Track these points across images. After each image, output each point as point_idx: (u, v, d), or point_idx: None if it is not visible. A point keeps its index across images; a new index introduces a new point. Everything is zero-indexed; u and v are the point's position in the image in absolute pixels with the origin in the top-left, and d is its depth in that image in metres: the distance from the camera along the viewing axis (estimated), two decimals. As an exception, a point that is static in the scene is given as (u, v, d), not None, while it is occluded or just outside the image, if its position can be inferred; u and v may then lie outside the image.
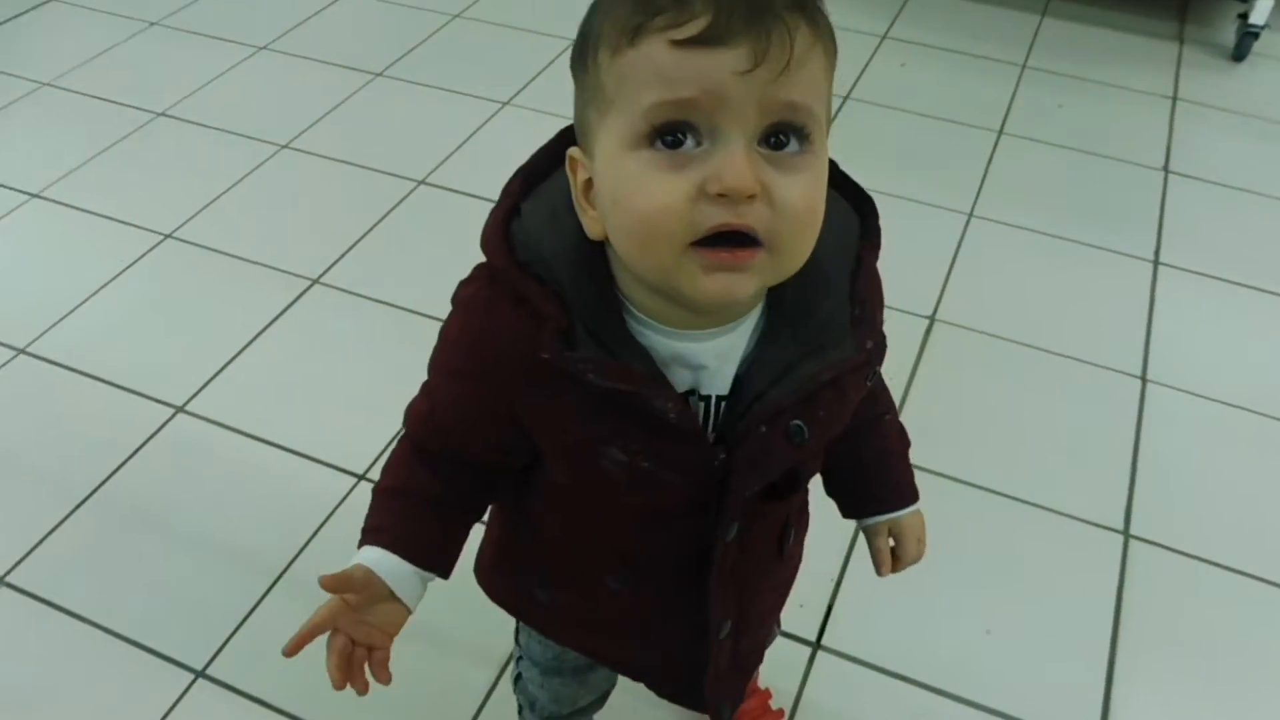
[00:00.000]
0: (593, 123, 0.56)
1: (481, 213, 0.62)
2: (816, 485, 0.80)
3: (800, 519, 0.79)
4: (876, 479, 0.83)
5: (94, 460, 1.42)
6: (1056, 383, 1.59)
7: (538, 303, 0.58)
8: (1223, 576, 1.32)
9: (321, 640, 0.65)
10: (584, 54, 0.56)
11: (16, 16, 2.46)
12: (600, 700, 0.96)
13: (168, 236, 1.82)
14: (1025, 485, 1.42)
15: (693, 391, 0.61)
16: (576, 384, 0.58)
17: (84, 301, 1.68)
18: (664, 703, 0.85)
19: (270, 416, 1.48)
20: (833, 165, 0.59)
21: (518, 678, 0.95)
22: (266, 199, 1.92)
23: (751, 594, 0.75)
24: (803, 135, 0.53)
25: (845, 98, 2.22)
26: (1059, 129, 2.15)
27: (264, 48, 2.35)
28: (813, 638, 1.23)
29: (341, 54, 2.32)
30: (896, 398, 1.17)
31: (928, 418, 1.45)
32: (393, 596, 0.67)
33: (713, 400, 0.62)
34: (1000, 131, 2.14)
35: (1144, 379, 1.60)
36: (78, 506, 1.36)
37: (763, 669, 1.09)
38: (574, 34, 0.58)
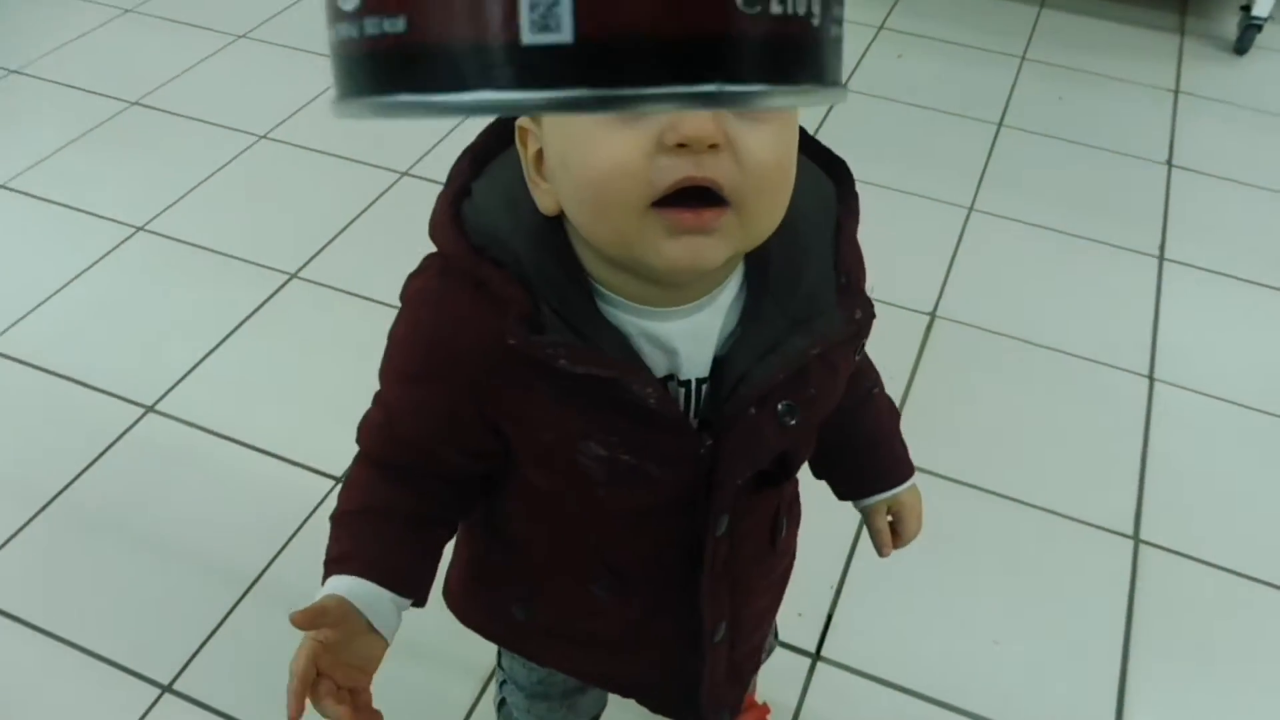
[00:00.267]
0: None
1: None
2: (805, 473, 0.76)
3: (792, 509, 0.76)
4: (871, 457, 0.80)
5: (58, 463, 1.36)
6: (1062, 381, 1.55)
7: (498, 287, 0.53)
8: (1238, 584, 1.28)
9: (291, 649, 0.58)
10: None
11: (-14, 3, 2.39)
12: (590, 725, 0.91)
13: (140, 229, 1.76)
14: (1031, 488, 1.37)
15: (671, 377, 0.57)
16: (547, 373, 0.54)
17: (50, 296, 1.62)
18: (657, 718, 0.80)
19: (244, 416, 1.43)
20: (802, 131, 0.55)
21: (501, 703, 0.90)
22: (243, 191, 1.87)
23: (745, 593, 0.71)
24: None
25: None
26: (1060, 121, 2.11)
27: (242, 36, 2.29)
28: (812, 648, 1.18)
29: (322, 43, 2.24)
30: (896, 398, 1.13)
31: (929, 418, 1.40)
32: (370, 629, 0.60)
33: (693, 384, 0.58)
34: (1000, 124, 2.10)
35: (1151, 378, 1.55)
36: (39, 512, 1.30)
37: (761, 682, 1.05)
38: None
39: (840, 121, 2.06)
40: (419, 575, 0.64)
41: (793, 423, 0.59)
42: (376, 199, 1.83)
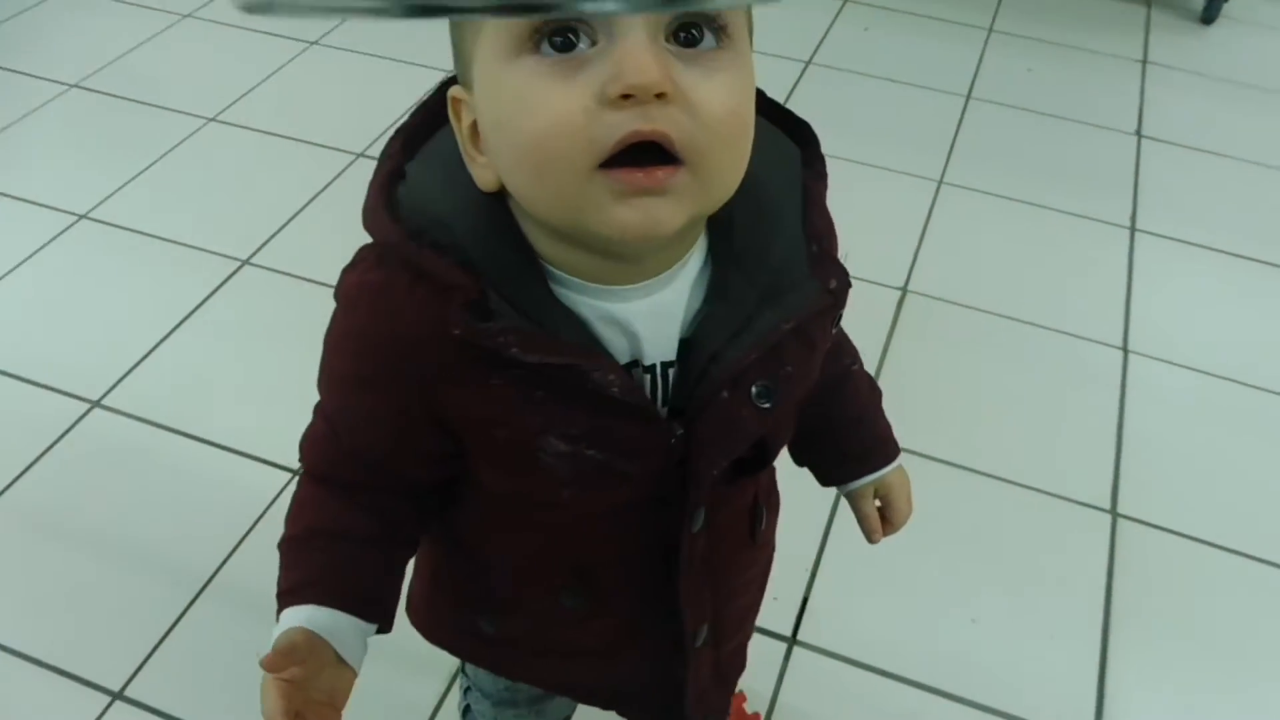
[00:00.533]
0: (468, 42, 0.47)
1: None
2: (781, 457, 0.71)
3: (770, 498, 0.71)
4: (854, 438, 0.75)
5: (-3, 462, 1.30)
6: (1035, 355, 1.53)
7: (440, 274, 0.49)
8: (1216, 555, 1.27)
9: (248, 659, 0.54)
10: None
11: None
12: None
13: (82, 217, 1.69)
14: (1006, 463, 1.35)
15: (635, 363, 0.53)
16: (501, 364, 0.49)
17: (-12, 289, 1.55)
18: (629, 721, 0.76)
19: (195, 409, 1.37)
20: (761, 93, 0.51)
21: (465, 709, 0.86)
22: (192, 175, 1.80)
23: (727, 592, 0.67)
24: (717, 29, 0.45)
25: (807, 63, 2.14)
26: (1028, 93, 2.09)
27: (188, 15, 2.20)
28: (788, 633, 1.16)
29: (273, 24, 2.19)
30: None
31: (902, 393, 1.36)
32: (338, 660, 0.55)
33: (658, 369, 0.53)
34: (968, 96, 2.07)
35: (1125, 349, 1.54)
36: (-22, 514, 1.24)
37: (738, 671, 1.01)
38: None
39: (807, 95, 2.02)
40: (381, 597, 0.59)
41: (769, 405, 0.55)
42: (331, 181, 1.77)
